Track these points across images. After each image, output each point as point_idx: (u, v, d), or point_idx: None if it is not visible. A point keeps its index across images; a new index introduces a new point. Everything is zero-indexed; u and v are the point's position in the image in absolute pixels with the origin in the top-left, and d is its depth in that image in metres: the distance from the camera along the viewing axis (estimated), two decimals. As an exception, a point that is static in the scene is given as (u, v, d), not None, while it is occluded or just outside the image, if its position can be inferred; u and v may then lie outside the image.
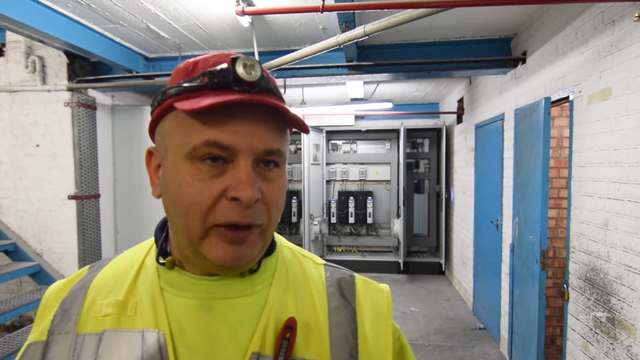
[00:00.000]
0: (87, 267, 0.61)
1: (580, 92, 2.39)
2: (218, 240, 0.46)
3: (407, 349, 0.61)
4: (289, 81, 3.98)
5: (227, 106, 0.44)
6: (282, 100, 0.50)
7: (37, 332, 0.54)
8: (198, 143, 0.44)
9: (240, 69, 0.44)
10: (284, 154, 0.50)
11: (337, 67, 3.59)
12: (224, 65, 0.45)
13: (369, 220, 6.64)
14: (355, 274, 0.61)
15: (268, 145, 0.46)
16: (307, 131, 0.52)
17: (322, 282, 0.57)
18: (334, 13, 2.71)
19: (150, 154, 0.53)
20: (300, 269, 0.58)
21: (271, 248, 0.57)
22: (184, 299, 0.50)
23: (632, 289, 1.92)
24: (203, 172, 0.45)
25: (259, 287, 0.53)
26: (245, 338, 0.49)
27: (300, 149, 6.55)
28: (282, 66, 3.06)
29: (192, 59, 0.50)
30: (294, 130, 0.53)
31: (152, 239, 0.59)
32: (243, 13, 2.52)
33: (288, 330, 0.49)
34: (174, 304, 0.51)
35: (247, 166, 0.45)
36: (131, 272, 0.55)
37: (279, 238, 0.61)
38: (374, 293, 0.59)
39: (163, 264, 0.53)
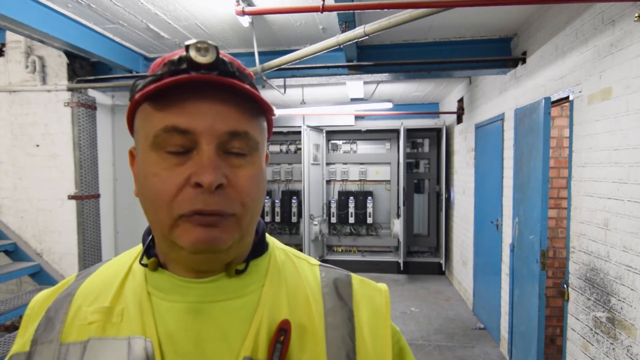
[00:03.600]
0: (74, 275, 0.59)
1: (580, 92, 2.39)
2: (188, 225, 0.44)
3: (407, 351, 0.59)
4: (289, 81, 3.98)
5: (188, 91, 0.44)
6: (254, 87, 0.49)
7: (20, 342, 0.52)
8: (158, 130, 0.44)
9: (193, 53, 0.44)
10: (255, 139, 0.47)
11: (337, 67, 3.59)
12: (182, 54, 0.45)
13: (369, 220, 6.64)
14: (352, 274, 0.59)
15: (232, 127, 0.45)
16: (271, 112, 0.49)
17: (317, 283, 0.55)
18: (334, 13, 2.71)
19: (131, 153, 0.52)
20: (294, 270, 0.56)
21: (262, 249, 0.55)
22: (172, 303, 0.49)
23: (632, 289, 1.92)
24: (168, 161, 0.44)
25: (250, 288, 0.51)
26: (237, 342, 0.47)
27: (300, 149, 6.55)
28: (282, 66, 3.06)
29: (162, 57, 0.50)
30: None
31: (141, 244, 0.57)
32: (243, 13, 2.52)
33: (282, 333, 0.48)
34: (161, 309, 0.49)
35: (209, 150, 0.44)
36: (118, 278, 0.53)
37: (271, 239, 0.59)
38: (372, 292, 0.57)
39: (145, 265, 0.51)
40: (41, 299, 0.56)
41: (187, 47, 0.44)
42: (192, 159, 0.44)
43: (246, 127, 0.46)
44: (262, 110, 0.49)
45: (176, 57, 0.45)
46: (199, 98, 0.44)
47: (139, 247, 0.58)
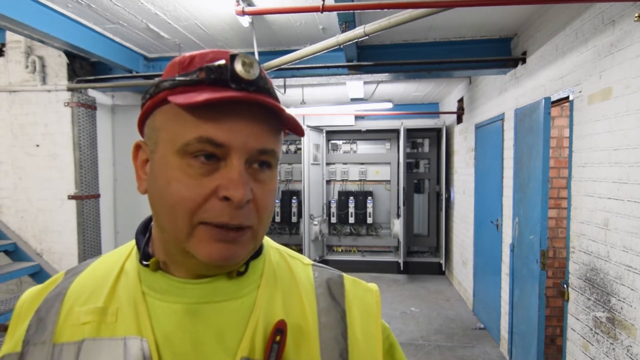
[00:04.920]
0: (62, 272, 0.58)
1: (580, 92, 2.39)
2: (207, 238, 0.45)
3: (396, 347, 0.60)
4: (289, 81, 3.98)
5: (222, 103, 0.43)
6: (278, 101, 0.49)
7: (10, 343, 0.51)
8: (191, 139, 0.43)
9: (239, 67, 0.43)
10: (278, 156, 0.49)
11: (337, 67, 3.59)
12: (222, 62, 0.44)
13: (369, 220, 6.64)
14: (344, 274, 0.60)
15: (262, 145, 0.46)
16: (302, 134, 0.50)
17: (310, 283, 0.56)
18: (334, 13, 2.71)
19: (138, 147, 0.51)
20: (288, 270, 0.57)
21: (258, 250, 0.56)
22: (168, 303, 0.49)
23: (632, 289, 1.92)
24: (194, 168, 0.44)
25: (247, 289, 0.51)
26: (234, 343, 0.47)
27: (300, 149, 6.56)
28: (282, 66, 3.06)
29: (188, 54, 0.49)
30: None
31: (132, 242, 0.56)
32: (243, 13, 2.52)
33: (278, 334, 0.48)
34: (157, 309, 0.48)
35: (240, 165, 0.44)
36: (110, 277, 0.53)
37: (266, 239, 0.60)
38: (363, 292, 0.58)
39: (147, 265, 0.51)
40: (30, 298, 0.55)
41: (233, 58, 0.43)
42: (220, 170, 0.44)
43: (273, 145, 0.47)
44: (283, 124, 0.49)
45: (216, 64, 0.44)
46: (236, 113, 0.44)
47: (130, 245, 0.57)
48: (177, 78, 0.45)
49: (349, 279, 0.59)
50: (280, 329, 0.49)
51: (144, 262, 0.51)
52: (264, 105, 0.45)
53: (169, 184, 0.45)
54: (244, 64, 0.44)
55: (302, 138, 5.89)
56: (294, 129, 0.49)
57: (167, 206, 0.45)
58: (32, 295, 0.55)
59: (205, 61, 0.46)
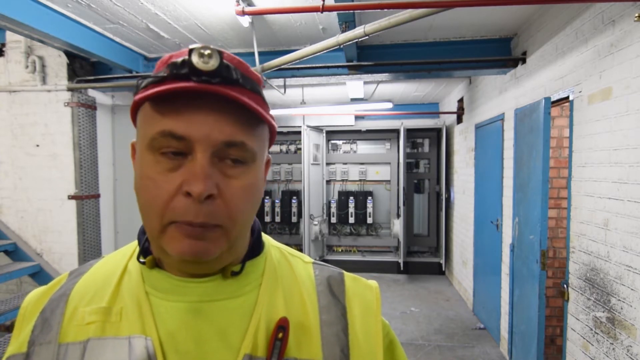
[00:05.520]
0: (66, 273, 0.58)
1: (580, 92, 2.39)
2: (176, 234, 0.44)
3: (396, 343, 0.61)
4: (289, 81, 3.98)
5: (186, 97, 0.43)
6: (257, 92, 0.48)
7: (16, 343, 0.52)
8: (155, 133, 0.44)
9: (195, 59, 0.42)
10: (251, 150, 0.46)
11: (337, 67, 3.59)
12: (186, 57, 0.44)
13: (369, 220, 6.64)
14: (344, 272, 0.61)
15: (228, 137, 0.44)
16: (273, 128, 0.51)
17: (311, 281, 0.57)
18: (334, 13, 2.71)
19: (133, 147, 0.52)
20: (289, 269, 0.57)
21: (259, 249, 0.56)
22: (171, 302, 0.49)
23: (632, 289, 1.92)
24: (162, 164, 0.44)
25: (248, 288, 0.52)
26: (237, 340, 0.48)
27: (300, 149, 6.55)
28: (282, 66, 3.06)
29: (170, 53, 0.49)
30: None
31: (135, 243, 0.57)
32: (243, 13, 2.52)
33: (280, 331, 0.49)
34: (161, 308, 0.49)
35: (203, 158, 0.43)
36: (114, 277, 0.53)
37: (267, 238, 0.60)
38: (363, 289, 0.58)
39: (143, 263, 0.52)
40: (34, 299, 0.55)
41: (190, 52, 0.43)
42: (186, 165, 0.44)
43: (243, 138, 0.45)
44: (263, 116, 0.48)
45: (179, 59, 0.44)
46: (198, 105, 0.43)
47: (133, 245, 0.58)
48: (150, 77, 0.46)
49: (349, 276, 0.60)
50: (282, 326, 0.49)
51: (141, 260, 0.52)
52: (223, 96, 0.43)
53: (141, 180, 0.46)
54: (201, 55, 0.43)
55: (302, 138, 5.91)
56: (266, 120, 0.48)
57: (142, 203, 0.46)
58: (36, 296, 0.56)
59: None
